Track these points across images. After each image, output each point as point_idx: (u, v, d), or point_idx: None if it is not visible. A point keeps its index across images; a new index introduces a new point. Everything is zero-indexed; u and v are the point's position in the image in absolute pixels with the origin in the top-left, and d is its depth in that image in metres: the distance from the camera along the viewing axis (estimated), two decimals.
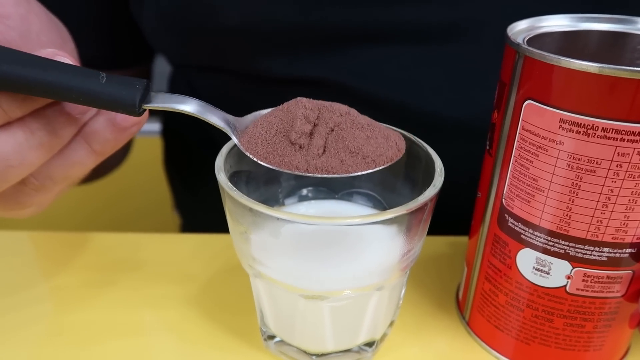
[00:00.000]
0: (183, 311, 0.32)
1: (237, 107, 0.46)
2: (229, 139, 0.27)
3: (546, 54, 0.22)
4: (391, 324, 0.29)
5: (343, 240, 0.25)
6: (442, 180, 0.25)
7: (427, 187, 0.24)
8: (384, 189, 0.31)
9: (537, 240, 0.25)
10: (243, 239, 0.25)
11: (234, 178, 0.27)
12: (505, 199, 0.26)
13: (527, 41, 0.25)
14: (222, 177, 0.25)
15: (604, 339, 0.27)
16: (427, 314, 0.32)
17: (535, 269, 0.25)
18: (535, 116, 0.23)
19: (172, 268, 0.35)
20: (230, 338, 0.30)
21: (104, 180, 0.76)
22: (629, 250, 0.24)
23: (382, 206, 0.31)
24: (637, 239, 0.23)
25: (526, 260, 0.26)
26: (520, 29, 0.26)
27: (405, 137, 0.29)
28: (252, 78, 0.41)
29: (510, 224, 0.26)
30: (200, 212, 0.55)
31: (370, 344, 0.28)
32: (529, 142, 0.24)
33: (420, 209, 0.24)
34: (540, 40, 0.25)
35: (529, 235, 0.25)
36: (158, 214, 0.76)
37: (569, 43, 0.26)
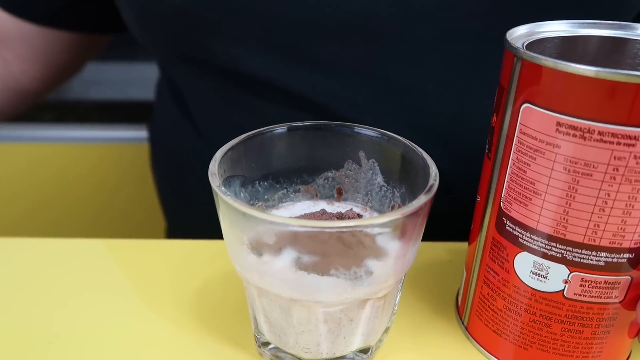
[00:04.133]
0: (176, 318, 0.32)
1: (219, 111, 0.45)
2: (218, 145, 0.27)
3: (543, 57, 0.22)
4: (386, 330, 0.29)
5: (337, 245, 0.24)
6: (437, 185, 0.25)
7: (422, 191, 0.25)
8: (379, 193, 0.31)
9: (535, 244, 0.25)
10: (237, 244, 0.25)
11: (227, 183, 0.27)
12: (503, 203, 0.26)
13: (526, 46, 0.25)
14: (215, 182, 0.25)
15: (602, 346, 0.26)
16: (426, 320, 0.32)
17: (533, 273, 0.25)
18: (532, 119, 0.23)
19: (165, 274, 0.35)
20: (224, 345, 0.30)
21: (94, 187, 0.76)
22: (626, 255, 0.24)
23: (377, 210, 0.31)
24: (634, 244, 0.23)
25: (524, 264, 0.25)
26: (520, 34, 0.26)
27: (400, 142, 0.29)
28: (220, 71, 0.41)
29: (508, 228, 0.26)
30: (188, 216, 0.54)
31: (365, 351, 0.28)
32: (527, 146, 0.24)
33: (415, 213, 0.24)
34: (539, 45, 0.25)
35: (526, 238, 0.25)
36: (148, 220, 0.76)
37: (569, 49, 0.27)
